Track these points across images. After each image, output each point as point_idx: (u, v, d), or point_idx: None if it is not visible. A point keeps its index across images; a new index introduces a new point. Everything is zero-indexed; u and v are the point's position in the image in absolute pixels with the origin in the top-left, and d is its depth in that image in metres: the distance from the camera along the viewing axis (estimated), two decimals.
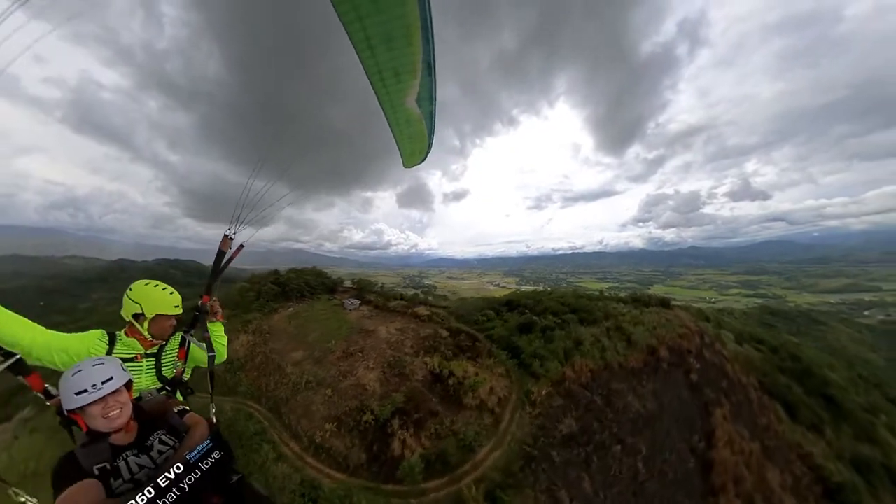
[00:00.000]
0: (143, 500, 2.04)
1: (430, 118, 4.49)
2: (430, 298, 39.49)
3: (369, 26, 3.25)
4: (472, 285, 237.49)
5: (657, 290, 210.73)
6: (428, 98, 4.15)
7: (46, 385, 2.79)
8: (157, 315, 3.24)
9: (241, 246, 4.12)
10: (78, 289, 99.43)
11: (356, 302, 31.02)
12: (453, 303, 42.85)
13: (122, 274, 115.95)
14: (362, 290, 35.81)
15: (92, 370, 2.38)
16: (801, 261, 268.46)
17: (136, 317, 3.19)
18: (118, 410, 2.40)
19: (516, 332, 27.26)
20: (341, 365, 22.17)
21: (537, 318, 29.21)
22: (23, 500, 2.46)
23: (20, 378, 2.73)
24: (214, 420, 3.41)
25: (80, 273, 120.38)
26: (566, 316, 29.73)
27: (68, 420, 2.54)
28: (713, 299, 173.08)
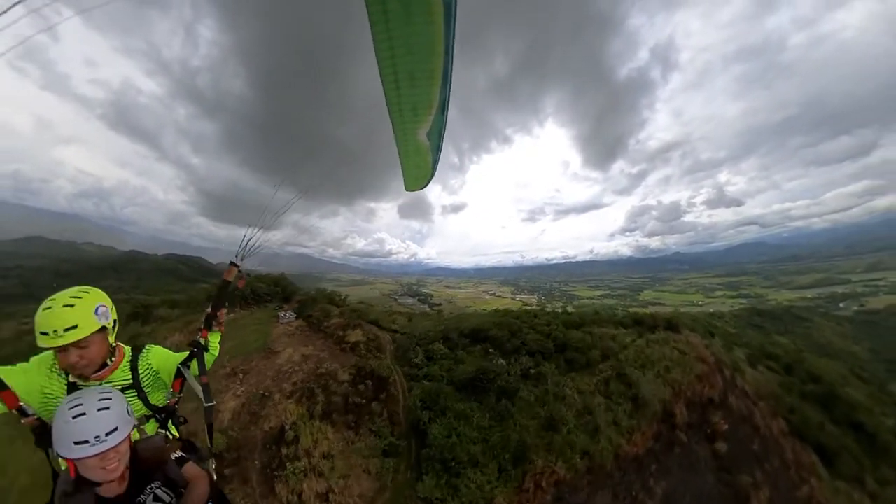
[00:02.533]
0: None
1: (437, 151, 4.62)
2: (372, 320, 32.11)
3: (400, 66, 3.48)
4: (467, 294, 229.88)
5: (647, 296, 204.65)
6: (437, 133, 4.29)
7: (21, 403, 2.21)
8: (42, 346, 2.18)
9: (248, 275, 3.45)
10: (91, 275, 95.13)
11: (292, 315, 27.40)
12: (412, 324, 34.56)
13: (132, 265, 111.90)
14: (305, 302, 30.43)
15: (96, 417, 1.91)
16: (775, 260, 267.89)
17: None
18: (117, 462, 1.98)
19: (455, 393, 17.79)
20: (220, 383, 18.64)
21: (504, 361, 21.05)
22: None
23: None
24: (214, 476, 2.64)
25: (95, 260, 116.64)
26: (544, 367, 20.71)
27: (48, 444, 2.08)
28: (700, 302, 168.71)
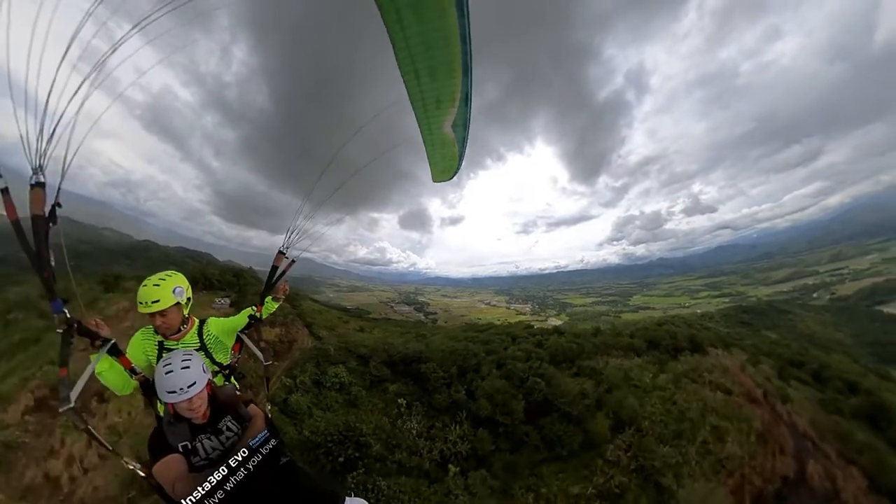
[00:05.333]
0: (218, 476, 2.20)
1: (463, 143, 4.36)
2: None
3: (418, 60, 3.27)
4: (463, 303, 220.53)
5: (636, 301, 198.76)
6: (462, 125, 4.03)
7: (133, 365, 2.85)
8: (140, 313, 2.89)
9: (293, 261, 3.88)
10: (105, 258, 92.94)
11: (225, 302, 25.75)
12: (356, 334, 28.23)
13: (143, 253, 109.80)
14: (247, 292, 27.66)
15: (180, 374, 2.45)
16: (749, 259, 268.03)
17: None
18: (199, 404, 2.54)
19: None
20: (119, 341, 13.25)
21: (416, 426, 11.76)
22: (131, 467, 2.58)
23: (113, 359, 2.76)
24: (269, 414, 3.14)
25: (112, 245, 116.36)
26: (497, 461, 10.51)
27: (150, 394, 2.83)
28: (687, 304, 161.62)
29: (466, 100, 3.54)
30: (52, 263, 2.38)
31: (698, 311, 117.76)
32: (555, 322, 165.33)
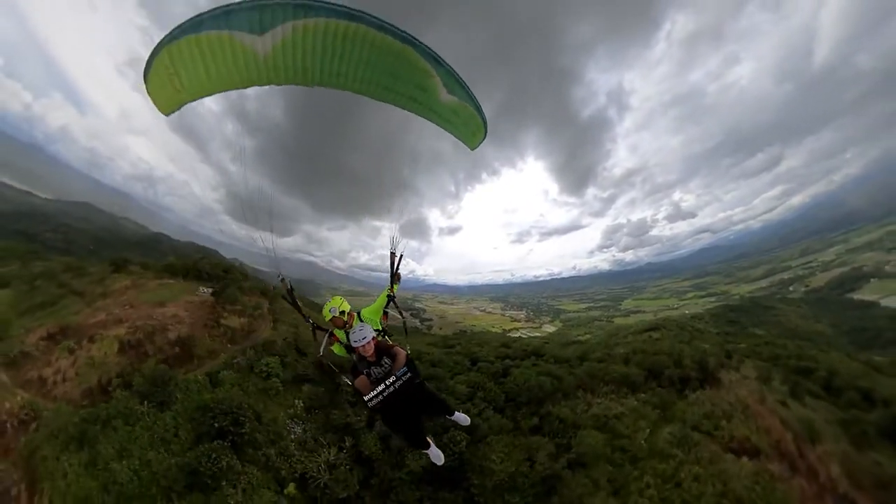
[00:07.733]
0: (380, 388, 4.18)
1: (471, 99, 3.98)
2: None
3: (377, 78, 3.33)
4: (459, 310, 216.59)
5: (628, 304, 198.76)
6: (456, 83, 3.69)
7: (339, 340, 5.01)
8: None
9: (402, 255, 5.27)
10: (120, 246, 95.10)
11: (207, 291, 28.27)
12: (295, 334, 29.37)
13: (155, 245, 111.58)
14: (230, 285, 29.69)
15: (359, 332, 4.44)
16: (729, 259, 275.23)
17: None
18: (370, 349, 4.45)
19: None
20: (90, 315, 20.65)
21: (298, 438, 9.37)
22: (345, 380, 4.80)
23: (332, 339, 5.05)
24: (409, 351, 4.78)
25: (128, 234, 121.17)
26: None
27: (349, 351, 4.83)
28: (676, 305, 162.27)
29: (437, 60, 3.36)
30: (300, 304, 5.09)
31: (687, 312, 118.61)
32: (549, 328, 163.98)
